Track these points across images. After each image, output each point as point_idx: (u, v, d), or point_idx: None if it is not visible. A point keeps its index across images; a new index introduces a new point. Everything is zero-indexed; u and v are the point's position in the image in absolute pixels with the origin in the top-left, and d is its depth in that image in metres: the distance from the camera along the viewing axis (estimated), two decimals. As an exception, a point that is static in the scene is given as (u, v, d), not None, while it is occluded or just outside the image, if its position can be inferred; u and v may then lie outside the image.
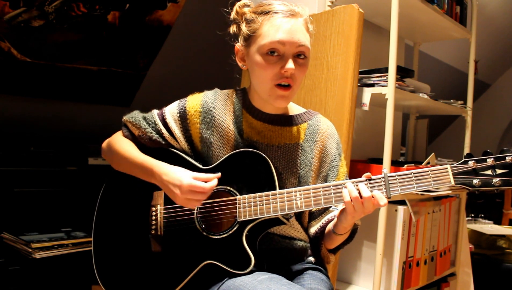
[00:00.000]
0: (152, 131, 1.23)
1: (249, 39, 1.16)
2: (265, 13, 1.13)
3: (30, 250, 1.98)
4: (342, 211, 1.10)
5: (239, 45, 1.20)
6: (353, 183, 1.07)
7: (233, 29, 1.22)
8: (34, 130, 2.67)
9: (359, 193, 1.04)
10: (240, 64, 1.22)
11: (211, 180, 1.10)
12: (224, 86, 1.29)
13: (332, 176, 1.22)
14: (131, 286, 1.19)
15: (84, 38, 2.43)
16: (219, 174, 1.12)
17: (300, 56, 1.13)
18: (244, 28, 1.17)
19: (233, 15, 1.21)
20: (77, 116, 2.80)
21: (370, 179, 1.06)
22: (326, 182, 1.22)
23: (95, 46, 2.50)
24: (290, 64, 1.11)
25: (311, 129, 1.24)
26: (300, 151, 1.22)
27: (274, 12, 1.13)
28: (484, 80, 4.79)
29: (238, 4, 1.21)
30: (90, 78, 2.65)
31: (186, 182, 1.07)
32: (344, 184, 1.07)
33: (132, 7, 2.41)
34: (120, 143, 1.24)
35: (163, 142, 1.24)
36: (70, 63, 2.50)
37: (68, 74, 2.55)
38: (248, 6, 1.20)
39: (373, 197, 1.03)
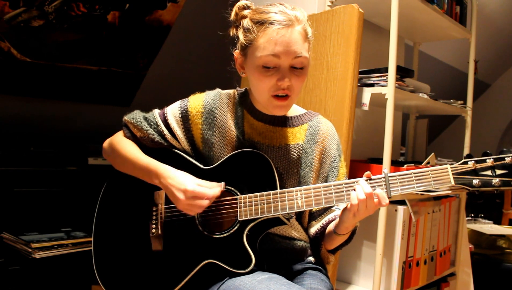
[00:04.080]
0: (154, 132, 1.22)
1: (246, 49, 1.14)
2: (261, 23, 1.10)
3: (30, 250, 1.98)
4: (344, 211, 1.10)
5: (237, 53, 1.19)
6: (354, 182, 1.07)
7: (232, 31, 1.20)
8: (34, 130, 2.66)
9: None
10: (239, 71, 1.21)
11: (215, 188, 1.10)
12: (224, 86, 1.29)
13: (333, 177, 1.23)
14: (131, 286, 1.19)
15: (84, 38, 2.42)
16: (222, 184, 1.13)
17: (296, 67, 1.12)
18: (241, 36, 1.14)
19: (232, 16, 1.18)
20: (77, 116, 2.80)
21: (370, 179, 1.07)
22: (326, 182, 1.22)
23: (95, 46, 2.50)
24: (286, 80, 1.10)
25: (311, 130, 1.24)
26: (300, 152, 1.22)
27: (269, 23, 1.09)
28: (484, 80, 4.80)
29: (237, 5, 1.18)
30: (90, 78, 2.65)
31: (191, 188, 1.08)
32: (345, 183, 1.08)
33: (132, 7, 2.41)
34: (122, 144, 1.23)
35: (165, 143, 1.24)
36: (70, 63, 2.50)
37: (68, 74, 2.55)
38: (248, 8, 1.16)
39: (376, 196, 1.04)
